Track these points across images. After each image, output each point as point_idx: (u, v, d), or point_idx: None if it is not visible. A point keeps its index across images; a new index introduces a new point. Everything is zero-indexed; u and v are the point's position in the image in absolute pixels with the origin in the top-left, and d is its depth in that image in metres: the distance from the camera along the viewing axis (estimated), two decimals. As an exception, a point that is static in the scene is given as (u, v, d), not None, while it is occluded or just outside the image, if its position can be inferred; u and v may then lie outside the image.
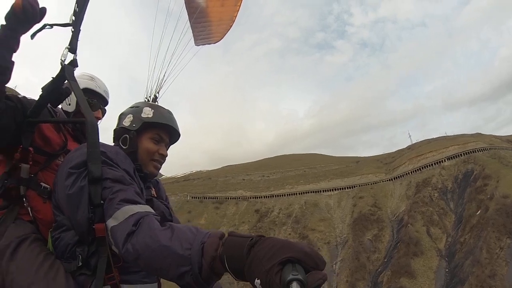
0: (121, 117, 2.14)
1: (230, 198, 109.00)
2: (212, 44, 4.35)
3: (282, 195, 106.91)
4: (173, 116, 2.16)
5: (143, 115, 2.04)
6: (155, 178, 2.25)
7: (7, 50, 1.84)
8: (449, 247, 73.13)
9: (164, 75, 2.91)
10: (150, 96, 2.78)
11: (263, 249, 1.13)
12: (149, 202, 1.91)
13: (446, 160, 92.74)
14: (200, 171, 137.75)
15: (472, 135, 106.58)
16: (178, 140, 2.29)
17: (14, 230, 1.82)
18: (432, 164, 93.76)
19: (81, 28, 2.03)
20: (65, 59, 2.00)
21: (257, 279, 1.10)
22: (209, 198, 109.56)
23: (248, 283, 1.15)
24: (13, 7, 1.78)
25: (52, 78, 2.03)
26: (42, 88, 2.05)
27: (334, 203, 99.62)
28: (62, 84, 2.04)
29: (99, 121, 2.63)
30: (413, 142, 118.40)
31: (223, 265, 1.23)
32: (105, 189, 1.63)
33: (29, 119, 1.99)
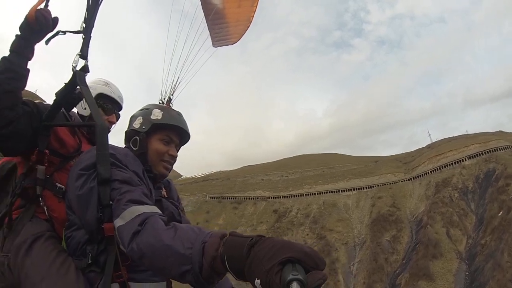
0: (132, 119, 2.16)
1: (249, 198, 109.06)
2: (229, 45, 4.39)
3: (301, 195, 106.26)
4: (183, 118, 2.17)
5: (152, 117, 2.05)
6: (166, 178, 2.27)
7: (22, 58, 1.96)
8: (470, 250, 71.14)
9: (178, 77, 2.97)
10: (164, 98, 2.84)
11: (263, 249, 1.13)
12: (158, 202, 1.96)
13: (466, 159, 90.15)
14: (219, 171, 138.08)
15: (494, 133, 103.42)
16: (188, 141, 2.29)
17: (30, 227, 1.92)
18: (452, 164, 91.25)
19: (91, 35, 2.10)
20: (76, 65, 2.07)
21: (257, 279, 1.09)
22: (227, 198, 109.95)
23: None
24: (27, 18, 1.91)
25: (64, 84, 2.11)
26: (55, 94, 2.12)
27: (352, 203, 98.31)
28: (74, 89, 2.12)
29: (113, 125, 2.70)
30: (433, 141, 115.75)
31: (224, 265, 1.23)
32: (113, 190, 1.67)
33: (44, 123, 2.07)
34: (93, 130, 2.27)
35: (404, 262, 74.74)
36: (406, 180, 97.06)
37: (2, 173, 2.16)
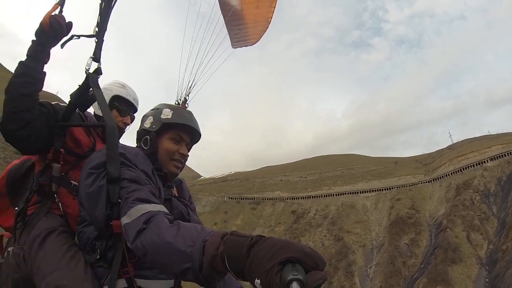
0: (143, 119, 2.17)
1: (267, 199, 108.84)
2: (248, 46, 4.38)
3: (319, 196, 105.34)
4: (193, 117, 2.17)
5: (162, 116, 2.06)
6: (178, 177, 2.27)
7: (38, 63, 2.04)
8: (490, 255, 68.24)
9: (194, 78, 3.01)
10: (180, 99, 2.88)
11: (263, 249, 1.12)
12: (168, 201, 1.99)
13: (488, 160, 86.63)
14: (239, 172, 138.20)
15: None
16: (199, 140, 2.28)
17: (45, 222, 2.00)
18: (473, 165, 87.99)
19: (104, 39, 2.16)
20: (89, 68, 2.13)
21: (257, 279, 1.09)
22: (246, 198, 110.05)
23: None
24: (41, 24, 1.99)
25: (78, 86, 2.17)
26: (70, 95, 2.19)
27: (371, 205, 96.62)
28: (87, 91, 2.16)
29: (128, 126, 2.72)
30: (454, 142, 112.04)
31: (224, 264, 1.23)
32: (122, 189, 1.70)
33: (60, 123, 2.16)
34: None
35: (422, 266, 72.86)
36: (426, 181, 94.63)
37: (22, 171, 2.30)
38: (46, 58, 2.08)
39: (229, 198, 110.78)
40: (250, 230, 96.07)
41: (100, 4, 2.15)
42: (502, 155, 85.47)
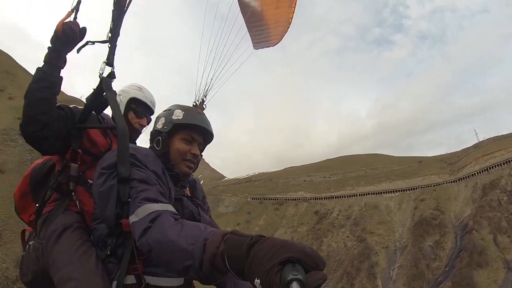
0: (156, 120, 2.20)
1: (290, 199, 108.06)
2: (270, 47, 4.37)
3: (342, 196, 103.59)
4: (205, 117, 2.17)
5: (173, 117, 2.08)
6: (193, 178, 2.30)
7: (54, 68, 2.12)
8: (518, 259, 64.47)
9: (211, 80, 3.08)
10: (198, 100, 3.03)
11: (263, 249, 1.12)
12: (178, 201, 2.01)
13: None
14: (262, 172, 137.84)
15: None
16: (212, 140, 2.28)
17: (62, 218, 2.08)
18: (501, 164, 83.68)
19: (116, 44, 2.22)
20: (103, 72, 2.19)
21: (257, 279, 1.08)
22: (269, 199, 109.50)
23: None
24: (55, 31, 2.07)
25: (93, 90, 2.23)
26: (86, 99, 2.24)
27: (394, 206, 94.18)
28: (101, 94, 2.21)
29: (144, 128, 2.77)
30: (480, 140, 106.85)
31: (224, 263, 1.23)
32: (131, 189, 1.74)
33: (77, 125, 2.24)
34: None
35: (446, 269, 70.44)
36: (451, 181, 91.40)
37: (44, 170, 2.39)
38: (62, 63, 2.15)
39: (252, 198, 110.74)
40: (273, 231, 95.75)
41: (113, 11, 2.19)
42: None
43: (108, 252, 1.85)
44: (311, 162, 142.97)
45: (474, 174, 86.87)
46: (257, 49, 4.09)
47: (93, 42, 2.24)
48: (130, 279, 1.78)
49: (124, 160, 1.82)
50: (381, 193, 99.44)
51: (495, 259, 65.95)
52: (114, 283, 1.78)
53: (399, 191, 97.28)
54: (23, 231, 2.38)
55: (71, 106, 2.36)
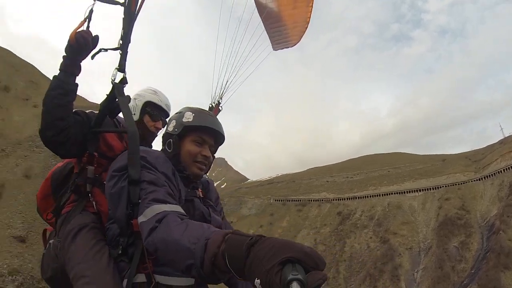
0: (168, 123, 2.22)
1: (313, 200, 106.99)
2: (289, 48, 4.40)
3: (365, 196, 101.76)
4: (215, 119, 2.18)
5: (183, 119, 2.09)
6: (206, 179, 2.31)
7: (69, 76, 2.19)
8: (548, 261, 61.03)
9: (226, 82, 3.08)
10: (214, 102, 3.01)
11: (263, 249, 1.11)
12: (189, 202, 2.02)
13: (546, 155, 77.67)
14: (285, 174, 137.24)
15: None
16: (224, 142, 2.28)
17: (79, 218, 2.15)
18: (529, 161, 79.24)
19: (128, 50, 2.27)
20: (115, 78, 2.24)
21: (257, 279, 1.07)
22: (292, 200, 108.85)
23: None
24: (69, 40, 2.13)
25: (106, 95, 2.28)
26: (100, 104, 2.30)
27: (418, 205, 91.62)
28: (114, 100, 2.25)
29: (159, 130, 2.79)
30: (506, 136, 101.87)
31: (225, 262, 1.23)
32: (141, 190, 1.77)
33: (92, 130, 2.31)
34: (140, 134, 2.42)
35: (472, 271, 67.73)
36: (476, 179, 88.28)
37: (64, 173, 2.45)
38: (76, 71, 2.21)
39: (275, 200, 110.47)
40: (295, 232, 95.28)
41: (123, 19, 2.25)
42: (561, 150, 76.37)
43: (120, 251, 1.90)
44: (333, 162, 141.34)
45: (501, 171, 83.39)
46: (276, 50, 4.04)
47: (106, 50, 2.28)
48: (141, 278, 1.81)
49: (135, 162, 1.86)
50: (404, 192, 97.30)
51: (524, 261, 62.55)
52: (125, 281, 1.84)
53: (422, 190, 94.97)
54: (44, 231, 2.46)
55: (87, 111, 2.42)
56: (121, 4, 2.27)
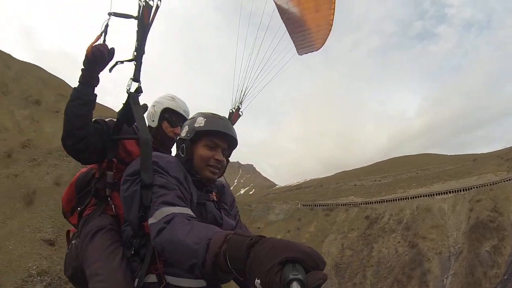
0: (182, 129, 2.24)
1: (340, 204, 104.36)
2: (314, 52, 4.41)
3: (393, 200, 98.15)
4: (227, 123, 2.17)
5: (195, 125, 2.11)
6: (222, 183, 2.33)
7: (88, 87, 2.28)
8: None
9: (246, 88, 3.13)
10: (234, 108, 3.13)
11: (264, 249, 1.11)
12: (202, 205, 2.05)
13: None
14: (313, 179, 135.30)
15: None
16: (237, 145, 2.29)
17: (98, 221, 2.24)
18: None
19: (142, 61, 2.36)
20: (129, 88, 2.34)
21: (257, 279, 1.07)
22: (319, 205, 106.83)
23: None
24: (86, 54, 2.22)
25: (123, 104, 2.37)
26: (117, 113, 2.39)
27: (448, 208, 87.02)
28: (130, 108, 2.33)
29: (178, 136, 3.09)
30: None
31: (227, 263, 1.24)
32: (153, 194, 1.81)
33: (111, 137, 2.39)
34: (159, 140, 2.64)
35: (505, 277, 63.41)
36: (510, 179, 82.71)
37: (87, 178, 2.55)
38: (94, 82, 2.29)
39: (302, 205, 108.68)
40: (323, 237, 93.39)
41: (137, 32, 2.33)
42: None
43: (133, 252, 1.95)
44: (361, 165, 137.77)
45: (535, 170, 77.24)
46: (301, 54, 4.05)
47: (122, 62, 2.35)
48: (152, 278, 1.84)
49: (147, 167, 1.89)
50: (433, 195, 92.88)
51: (561, 266, 57.71)
52: (136, 280, 1.88)
53: (452, 192, 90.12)
54: (68, 232, 2.54)
55: (107, 119, 2.48)
56: (135, 18, 2.34)
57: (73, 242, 2.33)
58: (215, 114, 2.20)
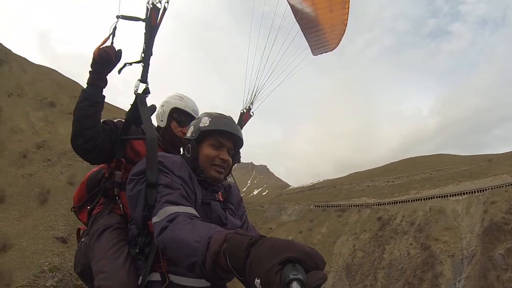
0: (188, 129, 2.24)
1: (353, 205, 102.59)
2: (328, 52, 4.35)
3: (406, 201, 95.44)
4: (232, 122, 2.15)
5: (200, 124, 2.09)
6: (229, 183, 2.31)
7: (96, 89, 2.31)
8: None
9: (257, 88, 3.10)
10: (245, 108, 3.15)
11: (264, 249, 1.10)
12: (207, 205, 2.03)
13: None
14: (327, 179, 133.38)
15: None
16: (243, 144, 2.27)
17: (106, 219, 2.27)
18: None
19: (149, 63, 2.38)
20: (137, 89, 2.35)
21: (257, 279, 1.06)
22: (332, 206, 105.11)
23: None
24: (93, 56, 2.26)
25: (130, 105, 2.39)
26: (125, 114, 2.40)
27: (462, 210, 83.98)
28: (138, 109, 2.33)
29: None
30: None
31: (227, 262, 1.23)
32: (158, 193, 1.81)
33: (119, 137, 2.39)
34: (168, 140, 2.62)
35: (519, 282, 59.58)
36: (526, 181, 77.96)
37: (98, 177, 2.57)
38: (102, 84, 2.32)
39: (315, 206, 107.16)
40: (335, 238, 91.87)
41: (145, 34, 2.35)
42: None
43: (137, 250, 1.95)
44: (375, 166, 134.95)
45: (552, 171, 73.51)
46: (316, 55, 3.99)
47: (130, 63, 2.36)
48: (155, 276, 1.85)
49: (152, 167, 1.89)
50: (447, 196, 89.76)
51: None
52: (140, 278, 1.88)
53: (467, 193, 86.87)
54: (78, 230, 2.57)
55: (115, 120, 2.48)
56: (143, 20, 2.35)
57: (82, 240, 2.35)
58: (221, 114, 2.16)
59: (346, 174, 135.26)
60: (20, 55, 58.70)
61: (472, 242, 73.79)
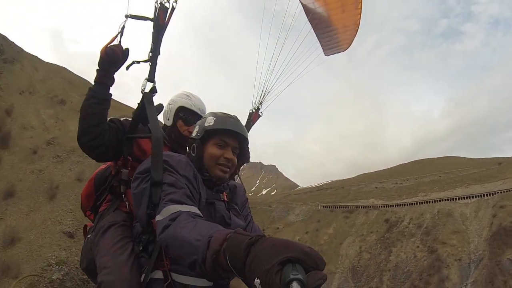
0: (193, 128, 2.25)
1: (361, 207, 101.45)
2: (341, 53, 4.32)
3: (414, 203, 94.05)
4: (236, 121, 2.14)
5: (205, 124, 2.09)
6: (234, 183, 2.31)
7: (103, 87, 2.32)
8: None
9: (266, 88, 3.05)
10: (254, 108, 3.15)
11: (264, 249, 1.09)
12: (211, 204, 2.02)
13: None
14: (335, 180, 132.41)
15: None
16: (248, 144, 2.26)
17: (111, 216, 2.28)
18: None
19: (157, 62, 2.38)
20: (144, 88, 2.36)
21: (257, 279, 1.05)
22: (339, 207, 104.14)
23: None
24: (100, 54, 2.27)
25: (138, 104, 2.39)
26: (132, 112, 2.41)
27: (470, 213, 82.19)
28: (144, 108, 2.33)
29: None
30: None
31: (227, 261, 1.22)
32: (162, 192, 1.81)
33: (126, 135, 2.39)
34: (174, 139, 2.61)
35: (526, 288, 58.07)
36: (537, 185, 75.91)
37: (105, 174, 2.58)
38: (109, 82, 2.34)
39: (323, 207, 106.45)
40: (341, 239, 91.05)
41: (153, 33, 2.36)
42: None
43: (141, 248, 1.96)
44: (384, 167, 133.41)
45: None
46: (328, 55, 3.96)
47: (138, 62, 2.40)
48: (158, 274, 1.86)
49: (157, 165, 1.90)
50: (455, 199, 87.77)
51: None
52: (143, 275, 1.89)
53: (475, 196, 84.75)
54: (85, 226, 2.58)
55: (121, 119, 2.49)
56: (151, 20, 2.36)
57: (88, 236, 2.35)
58: (226, 113, 2.15)
59: (355, 175, 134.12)
60: (32, 53, 59.68)
61: (480, 246, 72.14)
